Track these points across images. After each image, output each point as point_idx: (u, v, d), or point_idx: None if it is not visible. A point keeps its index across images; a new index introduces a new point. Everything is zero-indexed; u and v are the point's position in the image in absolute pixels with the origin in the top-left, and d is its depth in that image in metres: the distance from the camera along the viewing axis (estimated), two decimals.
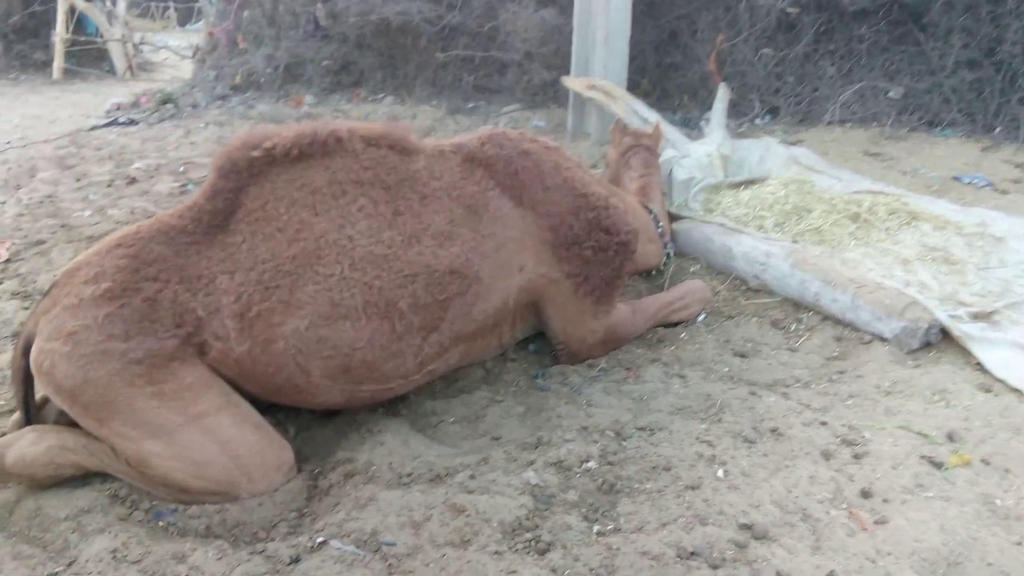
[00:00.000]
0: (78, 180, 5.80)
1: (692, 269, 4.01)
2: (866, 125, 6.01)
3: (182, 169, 6.04)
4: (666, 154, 4.95)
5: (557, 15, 6.79)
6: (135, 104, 9.23)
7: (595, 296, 3.00)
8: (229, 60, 8.97)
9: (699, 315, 3.55)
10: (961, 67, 5.84)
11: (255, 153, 2.44)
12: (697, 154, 4.91)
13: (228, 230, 2.39)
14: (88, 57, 12.18)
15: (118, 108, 9.15)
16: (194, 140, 7.19)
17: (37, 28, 12.14)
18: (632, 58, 7.06)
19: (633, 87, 7.20)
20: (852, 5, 6.05)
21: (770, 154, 5.22)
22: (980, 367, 2.86)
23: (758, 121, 6.44)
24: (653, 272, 3.93)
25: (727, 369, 3.06)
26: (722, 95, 5.60)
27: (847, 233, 4.07)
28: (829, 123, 6.09)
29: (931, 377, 2.81)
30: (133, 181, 5.69)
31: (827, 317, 3.35)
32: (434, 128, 7.13)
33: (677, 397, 2.79)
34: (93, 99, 9.99)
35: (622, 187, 4.08)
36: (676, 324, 3.48)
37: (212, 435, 2.22)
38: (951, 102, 5.85)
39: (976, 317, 3.12)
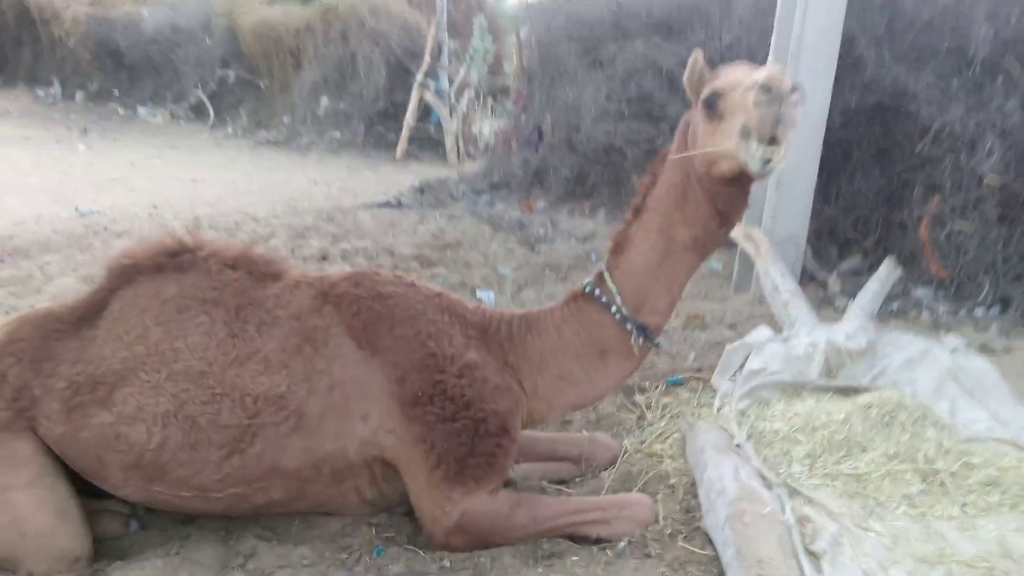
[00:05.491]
0: (292, 251, 6.83)
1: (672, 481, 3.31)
2: None
3: (373, 255, 6.78)
4: (757, 334, 4.19)
5: None
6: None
7: (444, 471, 2.61)
8: (500, 159, 9.84)
9: (623, 537, 2.92)
10: None
11: (125, 260, 2.75)
12: (796, 343, 4.05)
13: (94, 325, 2.68)
14: (429, 143, 14.39)
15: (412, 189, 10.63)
16: (417, 230, 7.96)
17: (396, 114, 14.69)
18: (849, 209, 6.10)
19: (852, 244, 6.20)
20: None
21: (924, 360, 4.06)
22: None
23: (978, 311, 5.01)
24: None
25: None
26: (883, 273, 4.52)
27: (902, 494, 3.03)
28: None
29: None
30: (324, 259, 6.58)
31: None
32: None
33: None
34: (406, 178, 11.62)
35: None
36: (596, 541, 2.91)
37: (8, 508, 2.50)
38: None
39: None
